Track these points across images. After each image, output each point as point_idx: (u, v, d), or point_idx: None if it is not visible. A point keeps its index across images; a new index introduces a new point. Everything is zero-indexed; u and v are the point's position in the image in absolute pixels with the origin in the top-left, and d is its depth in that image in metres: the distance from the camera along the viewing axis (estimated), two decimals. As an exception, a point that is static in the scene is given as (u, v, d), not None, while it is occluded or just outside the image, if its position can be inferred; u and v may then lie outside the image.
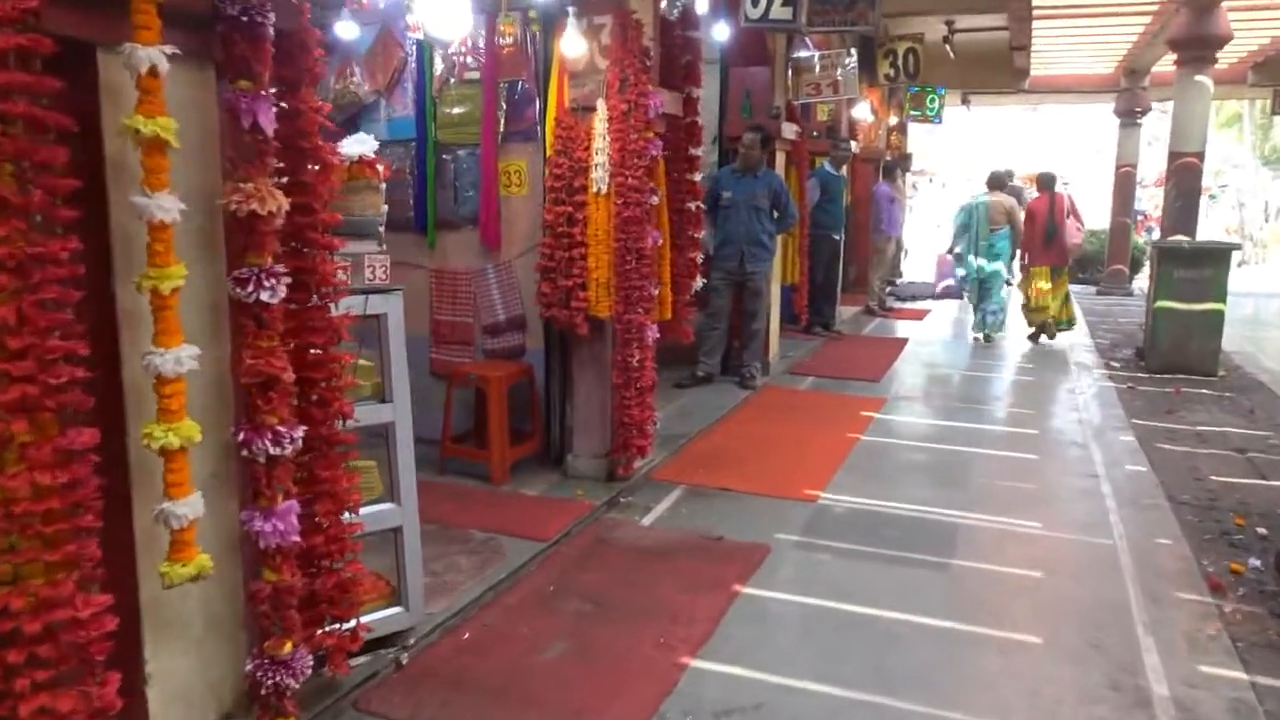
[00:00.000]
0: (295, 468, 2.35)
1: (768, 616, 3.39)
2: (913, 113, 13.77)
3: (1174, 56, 8.81)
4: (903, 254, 15.44)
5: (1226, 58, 12.38)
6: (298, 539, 2.26)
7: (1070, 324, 9.66)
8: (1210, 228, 26.14)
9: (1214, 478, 5.19)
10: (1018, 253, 9.57)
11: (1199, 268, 7.91)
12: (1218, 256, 7.95)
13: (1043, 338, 9.51)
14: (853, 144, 9.38)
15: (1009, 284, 10.02)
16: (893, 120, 13.80)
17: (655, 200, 4.38)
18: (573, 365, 4.63)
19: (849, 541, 4.10)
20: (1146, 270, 16.35)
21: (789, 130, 7.20)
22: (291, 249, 2.33)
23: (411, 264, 5.05)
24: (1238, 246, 8.12)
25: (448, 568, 3.57)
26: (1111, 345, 9.62)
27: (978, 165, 30.71)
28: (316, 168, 2.37)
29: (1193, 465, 5.43)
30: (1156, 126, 33.03)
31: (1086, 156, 33.60)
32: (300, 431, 2.25)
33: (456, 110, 4.80)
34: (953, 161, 35.35)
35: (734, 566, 3.76)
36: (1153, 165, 27.81)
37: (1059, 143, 33.34)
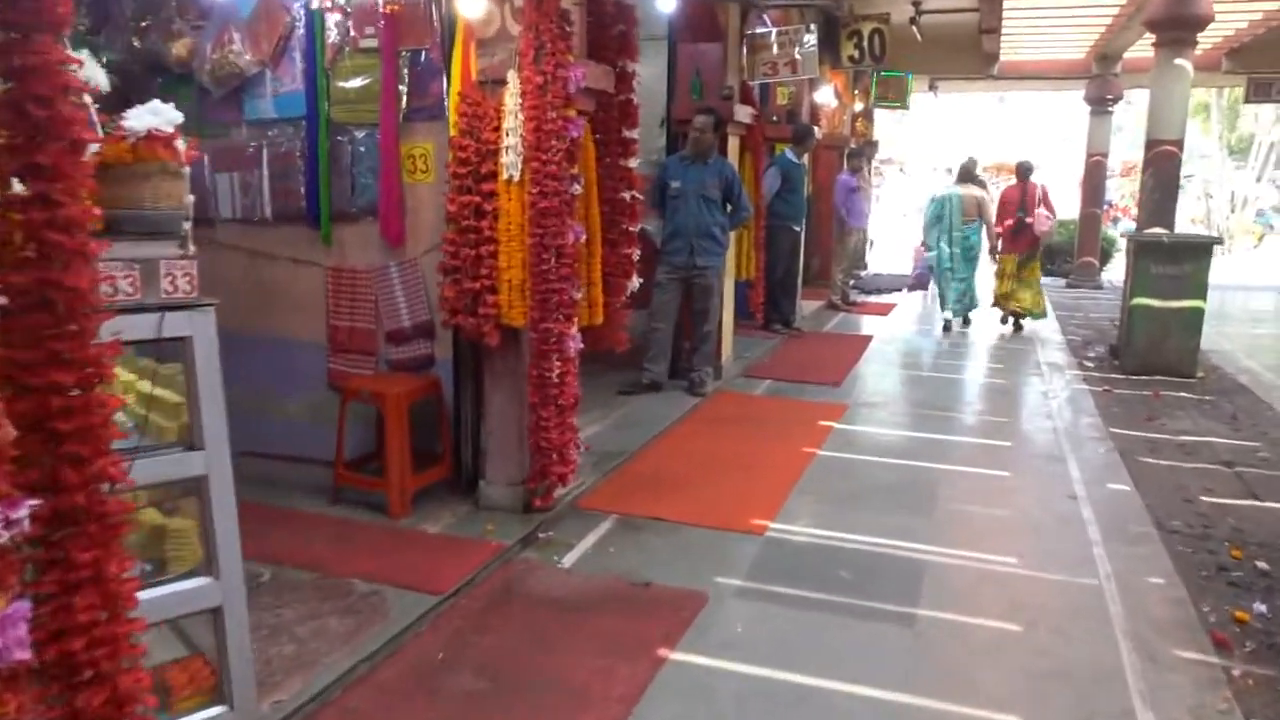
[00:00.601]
0: (41, 552, 1.73)
1: (696, 692, 2.82)
2: (880, 103, 13.26)
3: (1151, 40, 8.34)
4: (867, 246, 14.96)
5: (1201, 44, 12.00)
6: (27, 656, 1.64)
7: (1041, 315, 9.67)
8: (1176, 219, 26.03)
9: (1204, 498, 4.70)
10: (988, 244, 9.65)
11: (1178, 263, 7.44)
12: (1198, 251, 7.50)
13: (1010, 324, 9.75)
14: (815, 130, 8.81)
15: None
16: (858, 106, 13.27)
17: (578, 189, 3.77)
18: (485, 379, 4.02)
19: (799, 586, 3.54)
20: (1117, 263, 16.06)
21: (743, 113, 6.62)
22: (23, 256, 1.71)
23: (305, 261, 4.41)
24: (1219, 241, 7.66)
25: (315, 633, 2.96)
26: (1084, 343, 9.18)
27: (945, 155, 30.46)
28: (62, 144, 1.74)
29: (1179, 483, 4.94)
30: (1121, 116, 33.00)
31: (1053, 146, 33.45)
32: (27, 508, 1.62)
33: (353, 84, 4.16)
34: (920, 150, 35.10)
35: (662, 623, 3.18)
36: (1117, 155, 27.69)
37: (1026, 132, 33.17)
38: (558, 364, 3.77)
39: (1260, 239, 22.99)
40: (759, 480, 4.72)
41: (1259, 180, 23.54)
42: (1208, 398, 6.90)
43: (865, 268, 14.56)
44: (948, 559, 3.83)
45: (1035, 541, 4.05)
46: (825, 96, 10.19)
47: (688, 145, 6.21)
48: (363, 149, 4.19)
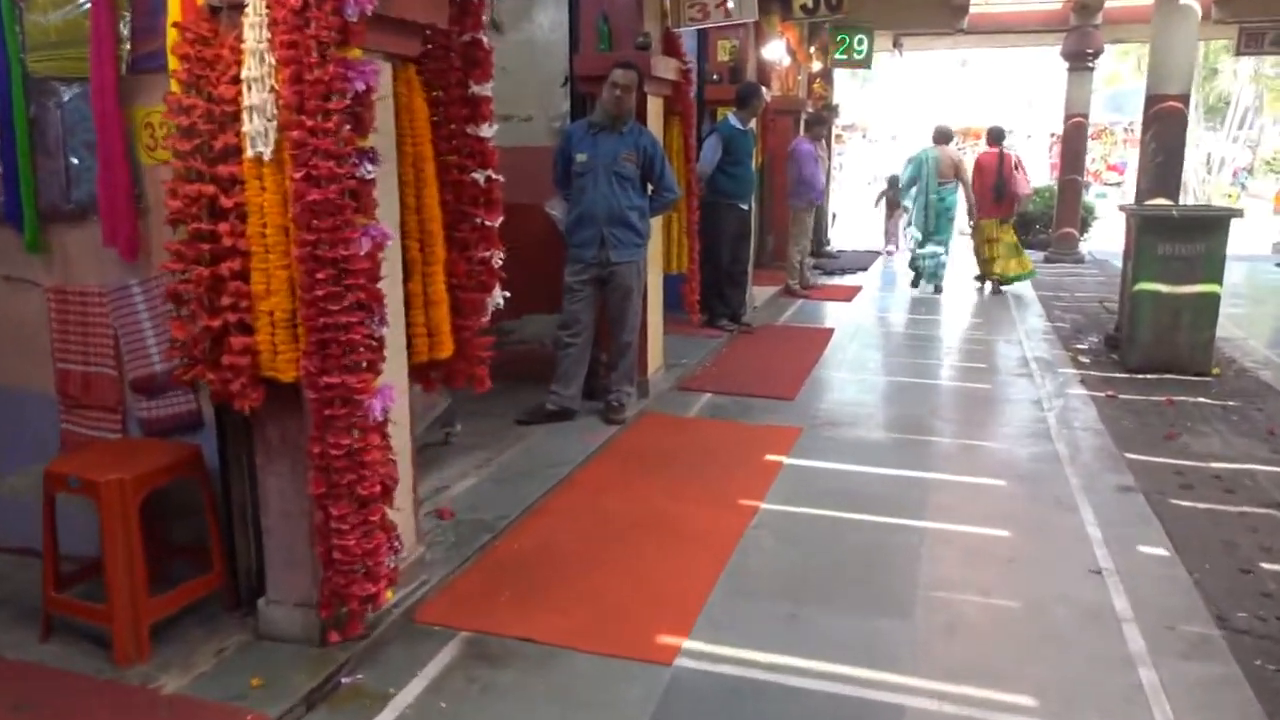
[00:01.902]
0: None
1: None
2: (840, 62, 12.00)
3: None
4: (829, 220, 13.75)
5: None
6: None
7: (1030, 275, 9.89)
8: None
9: (1265, 565, 3.55)
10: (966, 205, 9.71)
11: (1190, 241, 6.28)
12: (1213, 226, 6.34)
13: (989, 288, 9.92)
14: (763, 91, 7.53)
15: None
16: (815, 66, 12.00)
17: (371, 170, 2.48)
18: (256, 454, 2.73)
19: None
20: (1096, 232, 14.99)
21: (665, 67, 5.32)
22: None
23: (16, 279, 3.08)
24: (1238, 213, 6.51)
25: None
26: (1074, 330, 8.03)
27: (908, 121, 29.32)
28: None
29: (1227, 538, 3.79)
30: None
31: (1018, 111, 32.50)
32: None
33: (52, 17, 2.82)
34: (883, 117, 33.95)
35: None
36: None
37: (989, 97, 32.19)
38: (353, 437, 2.50)
39: (1234, 200, 22.07)
40: (676, 560, 3.48)
41: (1235, 141, 22.61)
42: (1231, 403, 5.77)
43: (829, 244, 13.36)
44: (936, 707, 2.62)
45: (1057, 662, 2.85)
46: (775, 52, 8.91)
47: (596, 108, 4.91)
48: (76, 115, 2.86)
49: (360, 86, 2.42)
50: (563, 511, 3.94)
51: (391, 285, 2.83)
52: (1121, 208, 6.98)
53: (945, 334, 8.04)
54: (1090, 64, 12.07)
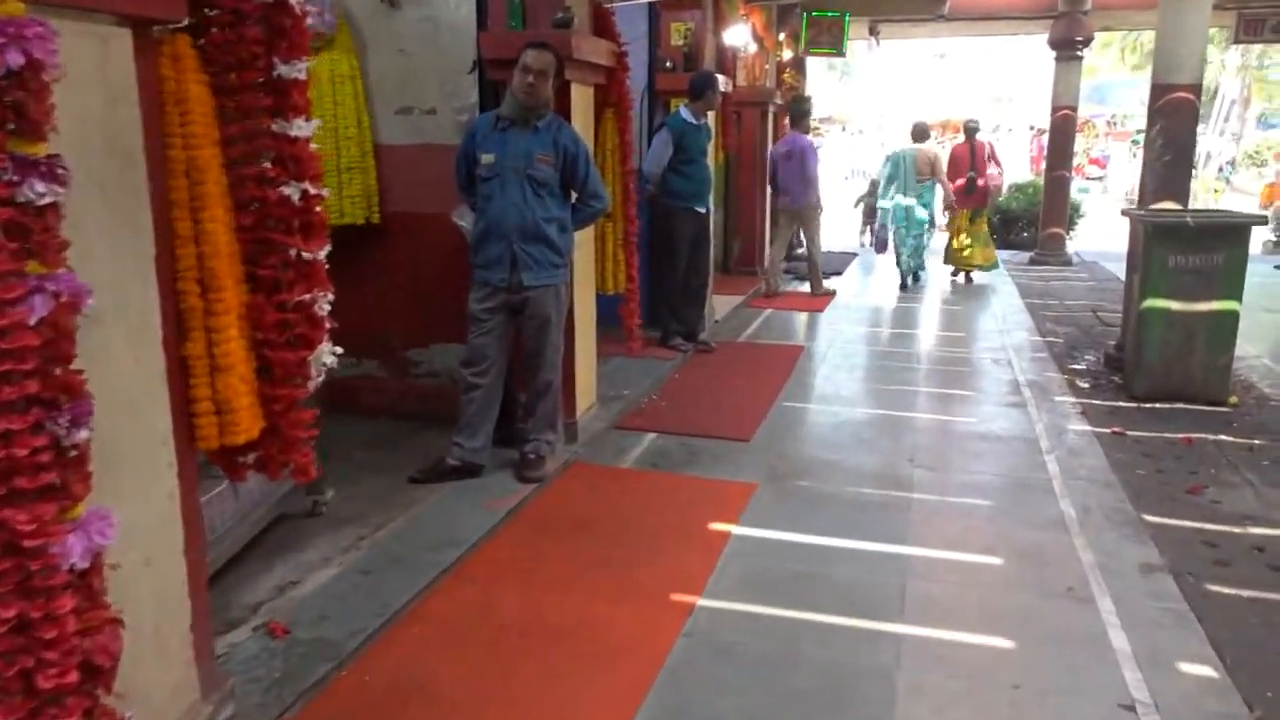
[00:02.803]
0: None
1: None
2: (813, 50, 11.15)
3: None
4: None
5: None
6: None
7: (994, 266, 10.18)
8: (1133, 176, 24.41)
9: (1344, 689, 2.74)
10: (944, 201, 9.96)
11: (1206, 251, 5.48)
12: (1233, 234, 5.54)
13: (961, 278, 10.26)
14: (721, 80, 6.66)
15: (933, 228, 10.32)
16: (786, 54, 11.15)
17: (46, 192, 1.59)
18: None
19: None
20: (1082, 230, 14.25)
21: (593, 50, 4.43)
22: None
23: None
24: (1261, 220, 5.72)
25: None
26: (1068, 347, 7.23)
27: (887, 115, 28.60)
28: None
29: (1288, 647, 2.98)
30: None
31: (995, 104, 31.90)
32: None
33: None
34: (861, 110, 33.23)
35: None
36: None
37: (967, 91, 31.57)
38: (28, 603, 1.62)
39: (1219, 195, 21.44)
40: (587, 690, 2.63)
41: (1221, 135, 21.98)
42: (1257, 441, 4.98)
43: (801, 245, 12.53)
44: None
45: None
46: (738, 38, 8.05)
47: (506, 99, 4.03)
48: None
49: (15, 61, 1.54)
50: (442, 619, 3.06)
51: (145, 350, 1.97)
52: (1125, 213, 6.17)
53: (926, 350, 7.22)
54: (1079, 52, 11.28)
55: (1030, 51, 32.52)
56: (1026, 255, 12.28)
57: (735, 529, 3.78)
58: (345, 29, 4.53)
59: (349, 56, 4.55)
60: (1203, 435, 5.05)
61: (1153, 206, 6.07)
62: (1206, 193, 20.79)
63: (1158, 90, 6.20)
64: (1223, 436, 5.05)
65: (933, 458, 4.77)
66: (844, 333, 7.85)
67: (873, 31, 12.48)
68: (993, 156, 9.97)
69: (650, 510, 4.01)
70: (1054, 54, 11.60)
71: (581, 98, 4.40)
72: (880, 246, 10.64)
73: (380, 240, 4.74)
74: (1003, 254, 12.89)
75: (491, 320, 4.09)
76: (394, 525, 3.66)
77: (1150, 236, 5.58)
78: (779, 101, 9.96)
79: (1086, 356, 6.93)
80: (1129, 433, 5.12)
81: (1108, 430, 5.16)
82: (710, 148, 6.89)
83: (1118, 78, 24.71)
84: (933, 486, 4.33)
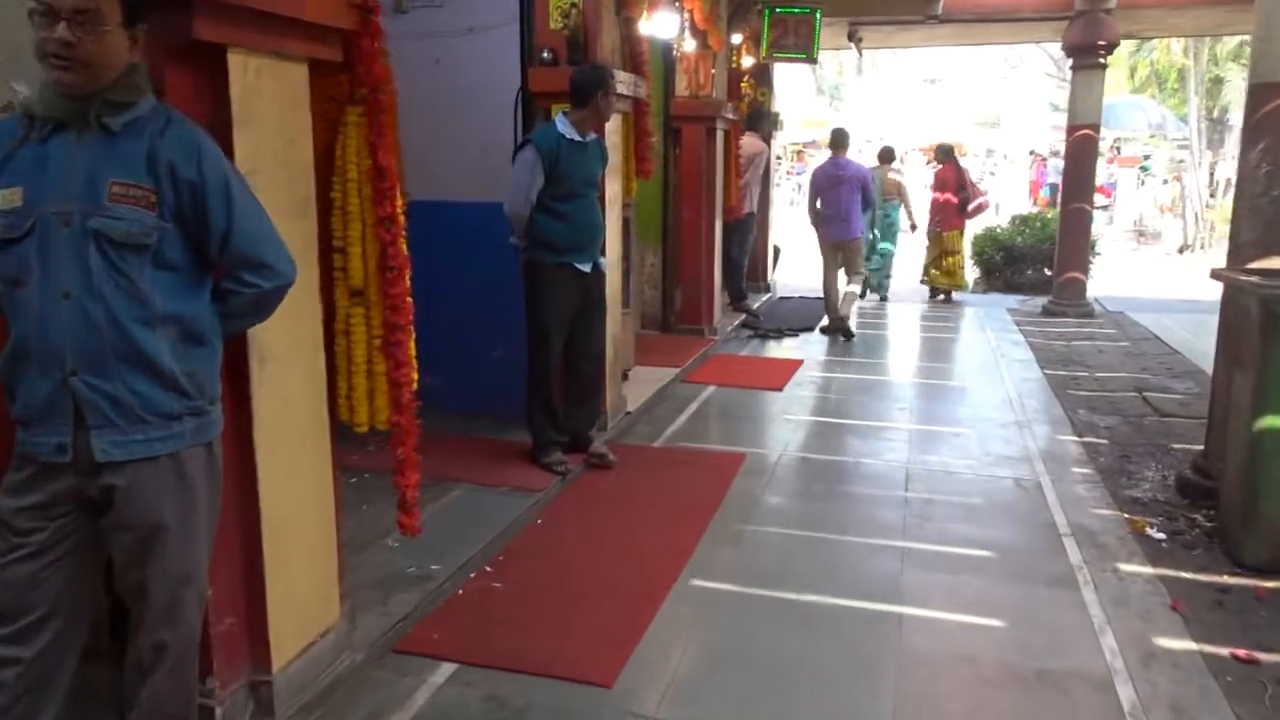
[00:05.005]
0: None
1: None
2: (778, 54, 9.12)
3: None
4: (771, 256, 10.87)
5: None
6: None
7: (965, 287, 10.75)
8: (1141, 205, 22.52)
9: None
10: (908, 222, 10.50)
11: (1367, 344, 3.41)
12: None
13: (940, 298, 10.46)
14: (611, 77, 4.55)
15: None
16: (747, 60, 9.14)
17: None
18: None
19: None
20: (1097, 272, 12.19)
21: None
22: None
23: None
24: None
25: None
26: (1119, 456, 5.12)
27: (876, 140, 26.81)
28: None
29: None
30: (1057, 93, 29.63)
31: (974, 130, 30.22)
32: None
33: None
34: (853, 135, 31.44)
35: None
36: (1056, 135, 23.85)
37: (959, 114, 29.92)
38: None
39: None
40: None
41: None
42: None
43: (771, 291, 10.46)
44: None
45: None
46: (664, 29, 5.99)
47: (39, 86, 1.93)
48: None
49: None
50: None
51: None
52: (1218, 275, 4.10)
53: (917, 463, 5.09)
54: (1102, 59, 9.24)
55: (1023, 76, 31.02)
56: (1038, 303, 10.21)
57: None
58: None
59: None
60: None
61: (1257, 266, 4.01)
62: (1224, 223, 18.84)
63: (1259, 93, 4.16)
64: None
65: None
66: (803, 428, 5.73)
67: (853, 37, 10.47)
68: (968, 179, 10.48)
69: None
70: (1070, 62, 9.59)
71: (252, 76, 2.29)
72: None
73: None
74: (1010, 300, 10.89)
75: (43, 532, 1.98)
76: None
77: (1273, 317, 3.51)
78: (731, 116, 7.92)
79: (1147, 473, 4.84)
80: (1257, 658, 3.02)
81: (1222, 650, 3.06)
82: (613, 176, 4.83)
83: (1122, 99, 22.87)
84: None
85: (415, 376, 2.83)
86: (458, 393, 5.23)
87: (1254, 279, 3.72)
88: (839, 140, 8.41)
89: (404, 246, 2.76)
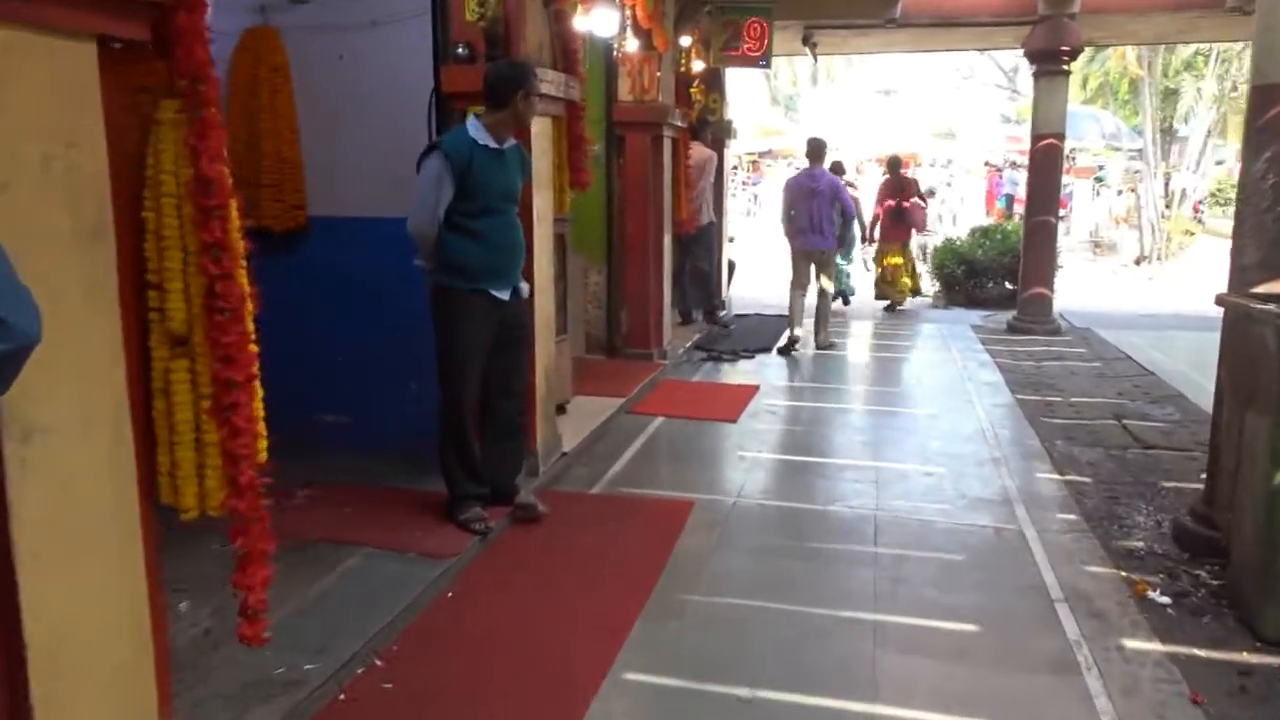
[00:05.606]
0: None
1: None
2: (726, 58, 8.60)
3: None
4: (724, 271, 10.34)
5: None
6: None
7: (917, 292, 11.18)
8: (1096, 216, 22.43)
9: None
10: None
11: None
12: None
13: (891, 309, 10.64)
14: (534, 75, 3.96)
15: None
16: (698, 65, 8.61)
17: None
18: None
19: None
20: (1060, 284, 11.87)
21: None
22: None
23: None
24: None
25: None
26: (1106, 498, 4.63)
27: (834, 151, 26.53)
28: None
29: None
30: (1009, 105, 29.54)
31: (930, 141, 30.11)
32: None
33: None
34: (801, 145, 31.19)
35: None
36: (1012, 145, 23.74)
37: (915, 126, 29.77)
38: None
39: (1193, 238, 19.38)
40: None
41: (1196, 170, 19.97)
42: None
43: (721, 306, 9.93)
44: None
45: None
46: (602, 24, 5.42)
47: None
48: None
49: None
50: None
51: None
52: (1223, 300, 3.61)
53: (884, 509, 4.52)
54: (1065, 65, 8.87)
55: (974, 88, 31.02)
56: (1002, 319, 9.80)
57: None
58: None
59: None
60: None
61: (1268, 290, 3.53)
62: (1180, 234, 18.75)
63: (1263, 96, 3.70)
64: None
65: None
66: (759, 468, 5.17)
67: (807, 41, 10.01)
68: (917, 191, 10.83)
69: None
70: (1033, 68, 9.21)
71: (41, 68, 1.68)
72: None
73: None
74: (973, 316, 10.48)
75: None
76: None
77: (1296, 354, 3.02)
78: (679, 123, 7.37)
79: (1138, 518, 4.35)
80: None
81: (1258, 756, 2.55)
82: (541, 189, 4.24)
83: (1076, 109, 22.78)
84: None
85: (262, 446, 2.21)
86: (365, 432, 4.64)
87: (1271, 307, 3.23)
88: (815, 150, 8.25)
89: (243, 280, 2.14)
